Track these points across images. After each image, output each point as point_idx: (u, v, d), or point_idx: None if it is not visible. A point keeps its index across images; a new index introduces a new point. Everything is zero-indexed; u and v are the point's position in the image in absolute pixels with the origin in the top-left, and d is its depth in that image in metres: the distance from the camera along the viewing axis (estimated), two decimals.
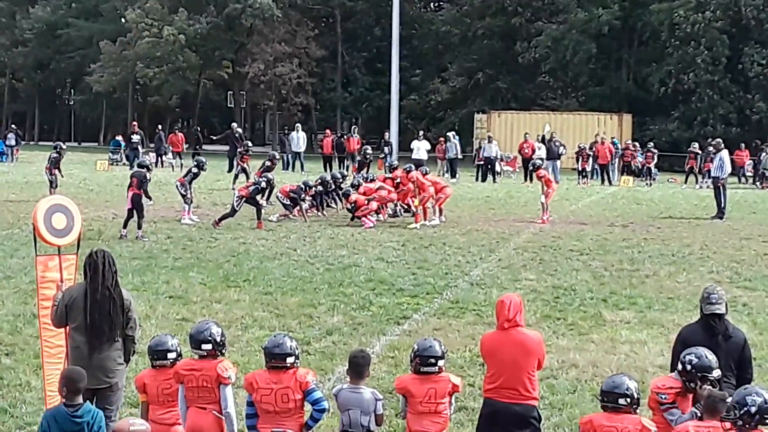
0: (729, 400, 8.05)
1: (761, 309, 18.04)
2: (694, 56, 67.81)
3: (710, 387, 8.78)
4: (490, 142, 53.72)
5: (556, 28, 73.64)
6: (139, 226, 26.05)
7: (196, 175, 30.54)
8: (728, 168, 34.47)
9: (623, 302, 18.57)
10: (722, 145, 36.09)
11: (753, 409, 7.63)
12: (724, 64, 68.17)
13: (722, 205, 33.47)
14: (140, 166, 28.40)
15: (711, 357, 9.01)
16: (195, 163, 31.24)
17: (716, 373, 8.93)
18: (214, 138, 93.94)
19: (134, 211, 26.20)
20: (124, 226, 26.27)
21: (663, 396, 8.88)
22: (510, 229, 29.54)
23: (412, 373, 9.39)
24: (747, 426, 7.65)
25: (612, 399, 8.51)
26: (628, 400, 8.46)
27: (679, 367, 9.05)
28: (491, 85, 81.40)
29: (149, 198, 28.12)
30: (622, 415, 8.44)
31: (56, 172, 35.05)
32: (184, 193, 29.90)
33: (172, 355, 9.81)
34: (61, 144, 35.08)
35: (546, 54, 74.68)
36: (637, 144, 56.65)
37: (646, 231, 29.63)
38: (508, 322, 9.73)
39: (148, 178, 27.23)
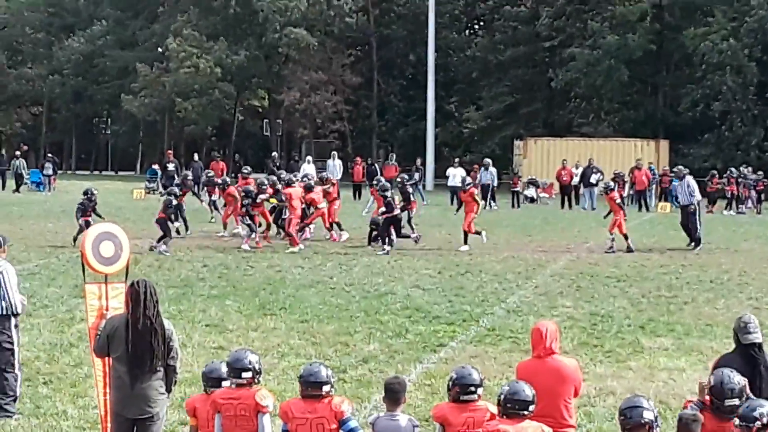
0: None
1: None
2: (725, 82, 67.51)
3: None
4: (486, 169, 52.97)
5: (589, 53, 73.47)
6: (160, 240, 28.63)
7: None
8: (698, 193, 33.27)
9: (661, 329, 18.45)
10: (685, 171, 34.53)
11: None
12: (753, 91, 67.91)
13: (697, 231, 32.06)
14: (169, 194, 31.01)
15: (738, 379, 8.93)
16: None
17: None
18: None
19: (162, 231, 28.94)
20: (158, 240, 28.88)
21: None
22: (547, 256, 29.46)
23: (450, 402, 9.32)
24: None
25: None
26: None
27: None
28: (525, 111, 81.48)
29: (172, 221, 30.06)
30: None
31: (84, 220, 33.16)
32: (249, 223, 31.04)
33: (225, 383, 9.79)
34: (92, 189, 32.41)
35: (578, 79, 74.53)
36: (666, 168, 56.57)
37: (683, 257, 29.46)
38: (545, 350, 9.70)
39: (173, 203, 30.21)
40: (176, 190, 32.46)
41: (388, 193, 31.10)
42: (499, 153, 73.86)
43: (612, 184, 32.60)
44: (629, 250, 30.43)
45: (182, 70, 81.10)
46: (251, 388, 9.45)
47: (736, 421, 8.16)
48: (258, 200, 31.40)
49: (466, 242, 30.72)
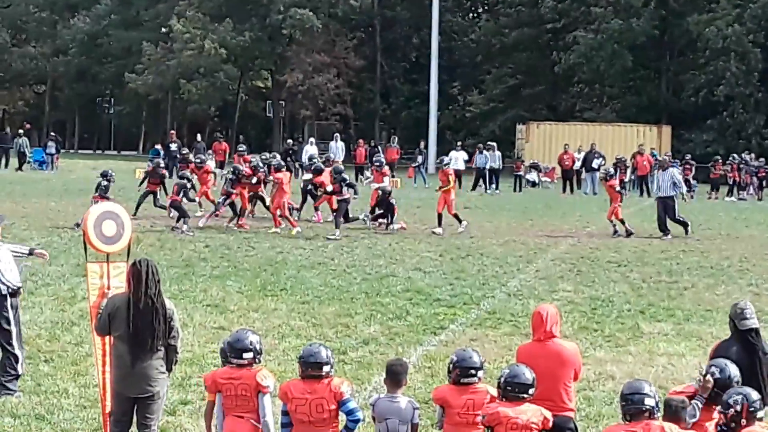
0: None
1: None
2: (729, 68, 67.43)
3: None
4: (480, 152, 52.75)
5: (592, 38, 73.38)
6: (179, 220, 29.40)
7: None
8: (683, 185, 32.66)
9: (661, 314, 18.49)
10: (669, 162, 34.10)
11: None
12: (756, 77, 67.84)
13: (681, 219, 31.29)
14: (181, 177, 31.70)
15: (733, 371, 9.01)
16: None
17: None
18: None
19: (178, 214, 29.57)
20: (177, 221, 29.60)
21: None
22: (548, 240, 29.49)
23: (450, 384, 9.35)
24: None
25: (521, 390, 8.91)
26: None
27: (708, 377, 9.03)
28: (527, 95, 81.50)
29: (191, 200, 31.42)
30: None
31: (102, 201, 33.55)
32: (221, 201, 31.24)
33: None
34: (111, 171, 31.93)
35: (581, 63, 74.41)
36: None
37: (684, 243, 29.47)
38: (545, 334, 9.72)
39: (188, 187, 30.89)
40: (188, 173, 32.62)
41: (345, 175, 31.31)
42: (502, 137, 73.71)
43: (612, 170, 32.56)
44: (629, 233, 30.47)
45: (186, 52, 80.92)
46: (252, 368, 9.47)
47: (718, 407, 8.29)
48: (242, 181, 31.34)
49: (460, 222, 30.74)
